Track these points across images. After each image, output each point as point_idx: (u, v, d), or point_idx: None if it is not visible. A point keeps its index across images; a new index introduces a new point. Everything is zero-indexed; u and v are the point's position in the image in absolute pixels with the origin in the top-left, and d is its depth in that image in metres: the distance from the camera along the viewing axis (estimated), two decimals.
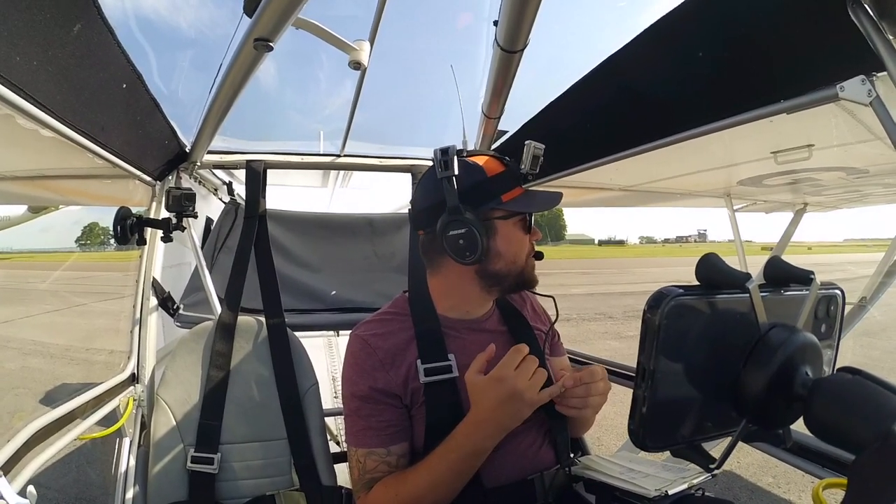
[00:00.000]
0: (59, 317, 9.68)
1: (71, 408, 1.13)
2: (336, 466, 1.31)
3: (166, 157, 1.48)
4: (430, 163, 0.95)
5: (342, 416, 0.99)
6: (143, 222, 1.47)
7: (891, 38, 0.58)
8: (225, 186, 2.05)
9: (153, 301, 1.53)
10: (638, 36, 0.94)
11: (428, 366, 0.92)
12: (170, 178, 1.58)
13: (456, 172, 0.91)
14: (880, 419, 0.46)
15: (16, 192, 1.66)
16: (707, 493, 0.88)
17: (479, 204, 0.92)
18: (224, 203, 2.21)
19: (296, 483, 1.24)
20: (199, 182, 1.92)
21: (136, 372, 1.46)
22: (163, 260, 1.61)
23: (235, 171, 2.01)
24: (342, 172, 2.41)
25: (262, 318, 1.39)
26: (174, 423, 1.22)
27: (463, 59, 1.90)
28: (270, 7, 0.84)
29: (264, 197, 1.55)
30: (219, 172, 2.02)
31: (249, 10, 0.87)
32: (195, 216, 1.55)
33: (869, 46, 0.58)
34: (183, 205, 1.49)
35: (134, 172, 1.33)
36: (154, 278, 1.54)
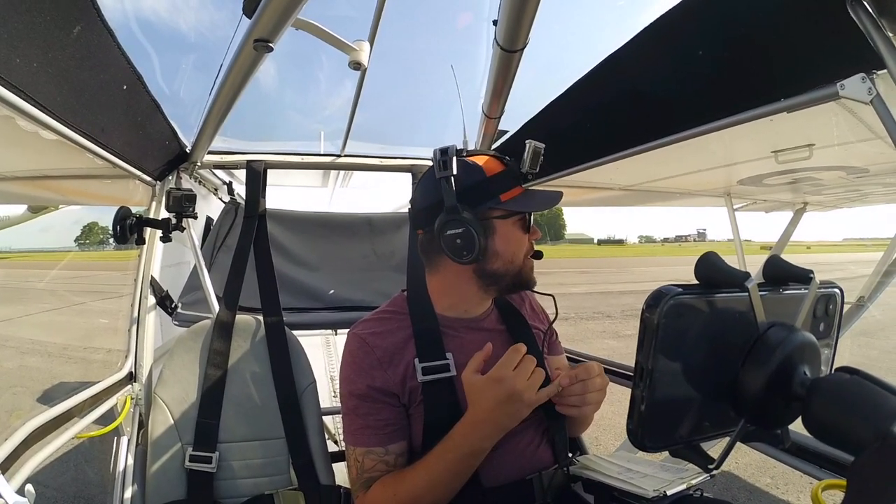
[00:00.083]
0: (58, 315, 9.67)
1: (69, 406, 1.13)
2: (335, 465, 1.31)
3: (167, 158, 1.48)
4: (431, 163, 0.95)
5: (340, 415, 0.99)
6: (143, 222, 1.47)
7: (891, 35, 0.57)
8: (225, 186, 2.05)
9: (151, 300, 1.53)
10: (637, 35, 0.94)
11: (426, 364, 0.92)
12: (170, 178, 1.58)
13: (455, 172, 0.91)
14: (879, 419, 0.46)
15: (16, 192, 1.66)
16: (705, 494, 0.88)
17: (478, 203, 0.92)
18: (224, 203, 2.21)
19: (294, 482, 1.23)
20: (200, 182, 1.92)
21: (133, 370, 1.46)
22: (162, 259, 1.61)
23: (236, 171, 2.01)
24: (342, 172, 2.41)
25: (261, 317, 1.39)
26: (172, 421, 1.22)
27: (463, 58, 1.90)
28: (270, 8, 0.83)
29: (264, 197, 1.55)
30: (219, 172, 2.02)
31: (249, 10, 0.87)
32: (195, 217, 1.55)
33: (869, 44, 0.58)
34: (183, 205, 1.49)
35: (134, 173, 1.33)
36: (153, 277, 1.54)
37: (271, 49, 0.93)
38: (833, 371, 0.56)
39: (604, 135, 1.21)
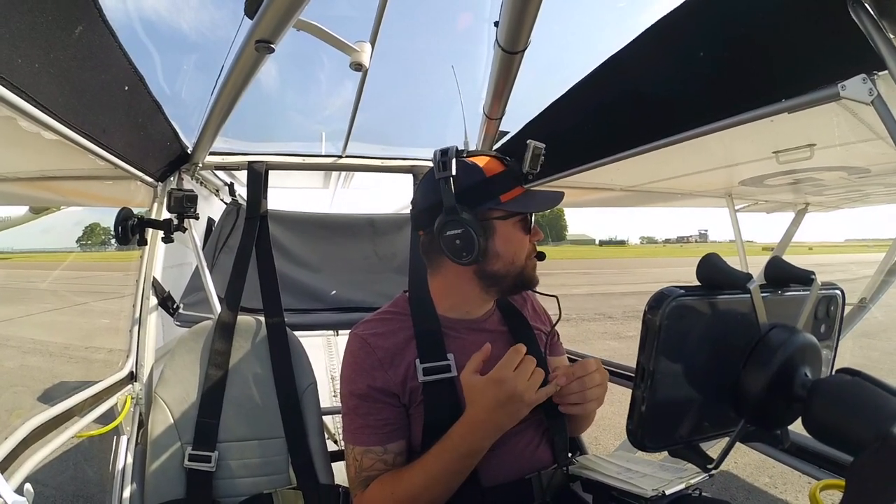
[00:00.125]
0: (59, 315, 9.69)
1: (69, 405, 1.13)
2: (334, 465, 1.31)
3: (168, 159, 1.48)
4: (432, 164, 0.95)
5: (340, 415, 0.99)
6: (145, 223, 1.47)
7: (891, 36, 0.57)
8: (226, 187, 2.06)
9: (153, 300, 1.53)
10: (638, 36, 0.94)
11: (427, 365, 0.92)
12: (171, 179, 1.59)
13: (454, 173, 0.91)
14: (879, 421, 0.46)
15: (18, 193, 1.66)
16: (704, 493, 0.88)
17: (477, 204, 0.92)
18: (225, 204, 2.21)
19: (293, 481, 1.24)
20: (201, 183, 1.92)
21: (134, 370, 1.46)
22: (164, 260, 1.61)
23: (237, 173, 2.01)
24: (343, 174, 2.41)
25: (262, 318, 1.40)
26: (172, 421, 1.23)
27: (464, 59, 1.91)
28: (271, 9, 0.84)
29: (266, 198, 1.55)
30: (220, 173, 2.03)
31: (250, 11, 0.87)
32: (196, 217, 1.55)
33: (870, 45, 0.58)
34: (184, 206, 1.49)
35: (136, 174, 1.34)
36: (154, 278, 1.55)
37: (273, 50, 0.93)
38: (834, 372, 0.56)
39: (605, 135, 1.21)
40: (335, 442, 2.20)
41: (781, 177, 1.46)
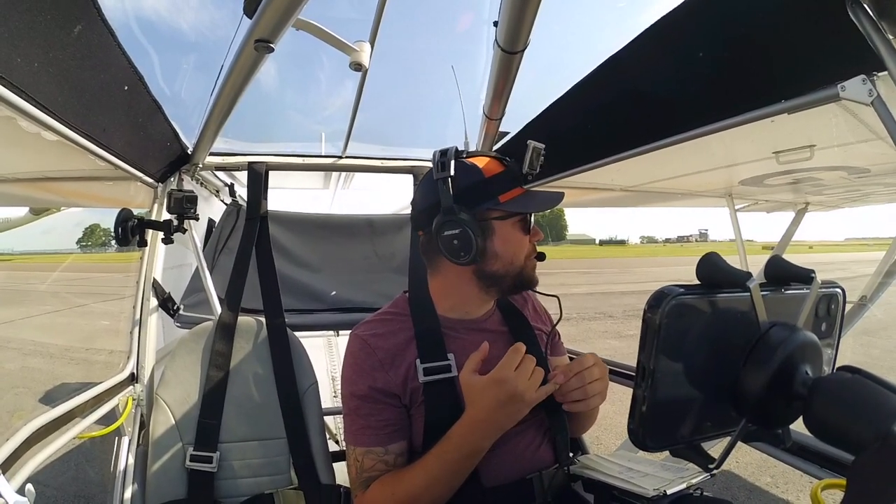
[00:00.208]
0: (60, 317, 9.69)
1: (70, 407, 1.13)
2: (335, 465, 1.31)
3: (168, 159, 1.48)
4: (432, 164, 0.95)
5: (341, 415, 0.99)
6: (145, 224, 1.47)
7: (891, 37, 0.57)
8: (227, 188, 2.06)
9: (153, 302, 1.53)
10: (638, 36, 0.94)
11: (427, 365, 0.92)
12: (171, 179, 1.59)
13: (452, 173, 0.91)
14: (880, 419, 0.46)
15: (18, 193, 1.66)
16: (705, 493, 0.88)
17: (476, 204, 0.92)
18: (226, 205, 2.21)
19: (294, 482, 1.24)
20: (201, 184, 1.92)
21: (135, 371, 1.47)
22: (164, 261, 1.61)
23: (237, 173, 2.01)
24: (343, 174, 2.41)
25: (262, 319, 1.40)
26: (173, 422, 1.23)
27: (463, 59, 1.91)
28: (270, 8, 0.84)
29: (266, 198, 1.55)
30: (220, 174, 2.03)
31: (250, 11, 0.87)
32: (196, 218, 1.55)
33: (869, 46, 0.58)
34: (184, 207, 1.49)
35: (135, 174, 1.34)
36: (154, 279, 1.55)
37: (272, 50, 0.93)
38: (835, 370, 0.56)
39: (605, 135, 1.21)
40: (336, 442, 2.20)
41: (781, 177, 1.46)
